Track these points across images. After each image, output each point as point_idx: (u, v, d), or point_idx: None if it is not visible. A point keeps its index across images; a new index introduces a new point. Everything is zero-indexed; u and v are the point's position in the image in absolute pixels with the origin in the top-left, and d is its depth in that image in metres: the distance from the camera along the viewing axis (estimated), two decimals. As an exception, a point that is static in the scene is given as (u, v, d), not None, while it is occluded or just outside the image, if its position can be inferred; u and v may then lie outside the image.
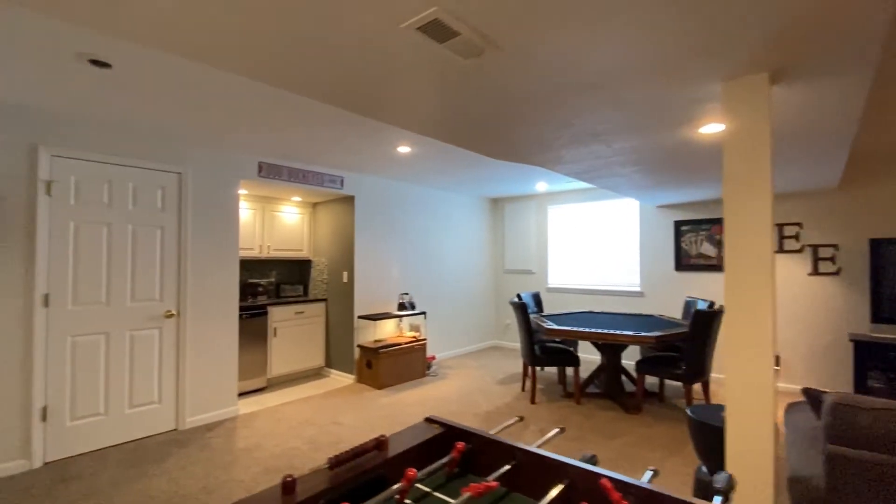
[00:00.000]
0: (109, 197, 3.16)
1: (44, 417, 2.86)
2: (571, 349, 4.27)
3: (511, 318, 6.62)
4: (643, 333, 3.55)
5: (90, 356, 3.06)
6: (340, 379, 4.89)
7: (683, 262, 5.05)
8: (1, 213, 2.74)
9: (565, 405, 4.01)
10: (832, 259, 4.16)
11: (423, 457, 1.23)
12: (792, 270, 4.38)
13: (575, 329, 3.79)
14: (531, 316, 4.45)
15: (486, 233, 6.71)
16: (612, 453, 3.02)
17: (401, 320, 5.23)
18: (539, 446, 1.20)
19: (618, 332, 3.63)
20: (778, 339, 4.44)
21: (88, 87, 2.45)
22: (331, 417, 3.72)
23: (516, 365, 5.52)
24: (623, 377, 4.56)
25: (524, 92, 2.06)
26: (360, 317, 4.77)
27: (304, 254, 5.31)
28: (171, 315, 3.39)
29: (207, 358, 3.62)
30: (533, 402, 4.08)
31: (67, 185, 2.98)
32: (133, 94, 2.54)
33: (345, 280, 4.90)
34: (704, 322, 3.47)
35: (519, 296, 5.08)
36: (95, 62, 2.14)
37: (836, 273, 4.14)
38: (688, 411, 2.36)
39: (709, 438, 2.18)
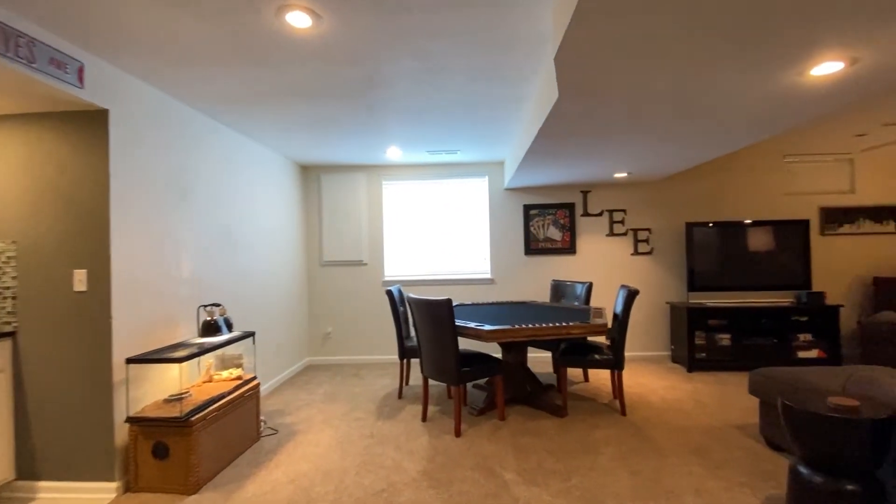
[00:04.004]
0: None
1: None
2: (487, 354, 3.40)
3: (333, 326, 5.05)
4: (589, 322, 3.08)
5: None
6: (76, 498, 2.30)
7: (532, 246, 4.99)
8: None
9: (493, 426, 3.11)
10: (647, 241, 4.92)
11: None
12: (619, 250, 4.95)
13: (524, 327, 2.95)
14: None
15: (298, 211, 4.88)
16: (625, 476, 2.38)
17: (198, 356, 2.97)
18: None
19: (567, 323, 3.04)
20: (609, 312, 4.94)
21: None
22: None
23: (363, 385, 4.14)
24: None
25: None
26: (131, 360, 2.36)
27: (-70, 234, 2.26)
28: None
29: None
30: (458, 434, 2.98)
31: None
32: None
33: (80, 287, 2.34)
34: (630, 303, 3.32)
35: (390, 292, 3.80)
36: None
37: (650, 252, 4.92)
38: (783, 401, 1.98)
39: (828, 432, 1.83)
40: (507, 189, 5.02)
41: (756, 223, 4.50)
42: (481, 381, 4.11)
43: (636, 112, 2.42)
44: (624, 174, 4.32)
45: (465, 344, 4.99)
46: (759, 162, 4.83)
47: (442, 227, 5.08)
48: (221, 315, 2.95)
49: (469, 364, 3.09)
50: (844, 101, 2.08)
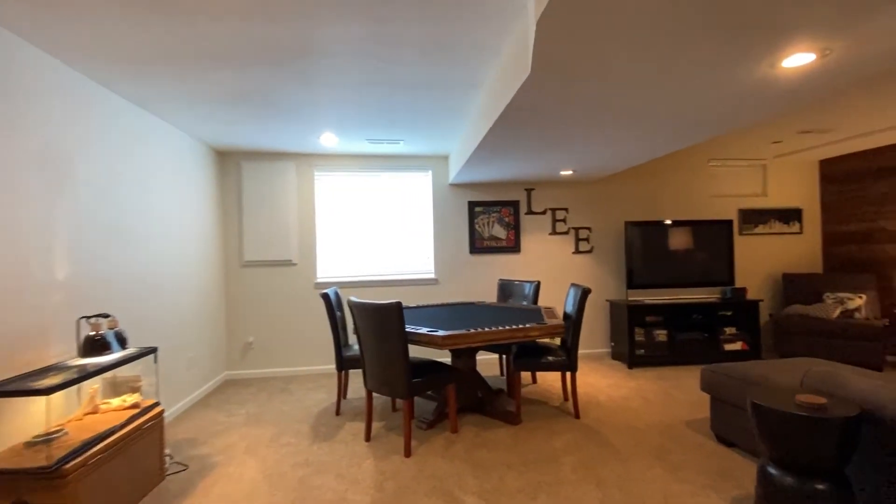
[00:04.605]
0: None
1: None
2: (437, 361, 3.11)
3: (256, 334, 4.46)
4: (546, 323, 2.92)
5: None
6: None
7: (477, 244, 4.80)
8: None
9: (446, 440, 2.84)
10: (587, 239, 4.95)
11: None
12: (561, 249, 4.92)
13: (481, 331, 2.70)
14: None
15: (213, 204, 4.24)
16: (592, 488, 2.23)
17: (75, 383, 2.34)
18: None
19: (524, 325, 2.84)
20: (558, 311, 4.90)
21: None
22: None
23: (293, 402, 3.66)
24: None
25: None
26: (-28, 394, 1.75)
27: None
28: None
29: None
30: (408, 454, 2.66)
31: None
32: None
33: None
34: (584, 302, 3.22)
35: (326, 295, 3.37)
36: None
37: (590, 251, 4.96)
38: (753, 401, 1.92)
39: (800, 431, 1.79)
40: (451, 185, 4.78)
41: (687, 223, 4.70)
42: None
43: (608, 97, 2.27)
44: (569, 171, 4.27)
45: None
46: (687, 165, 5.07)
47: (382, 225, 4.71)
48: (111, 328, 2.36)
49: (420, 374, 2.78)
50: (814, 93, 2.10)
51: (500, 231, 4.83)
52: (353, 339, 4.56)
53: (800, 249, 5.23)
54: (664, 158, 5.04)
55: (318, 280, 4.56)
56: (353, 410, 3.43)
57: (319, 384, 4.15)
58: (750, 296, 5.06)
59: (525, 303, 4.05)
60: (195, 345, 3.75)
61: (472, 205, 4.79)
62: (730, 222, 4.74)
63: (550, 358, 3.20)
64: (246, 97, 2.88)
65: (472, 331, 2.70)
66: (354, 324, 2.89)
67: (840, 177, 5.08)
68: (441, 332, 2.66)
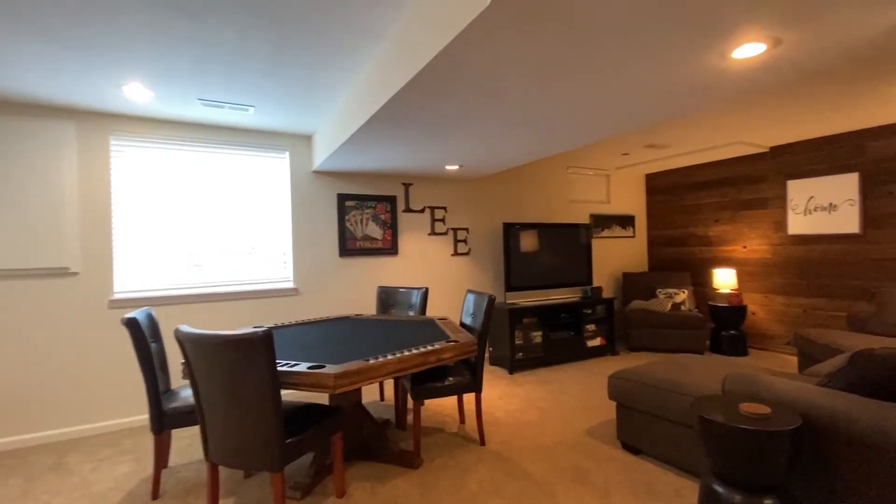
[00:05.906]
0: None
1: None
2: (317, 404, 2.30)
3: (-1, 384, 2.85)
4: (456, 341, 2.42)
5: None
6: None
7: (349, 245, 4.04)
8: None
9: (333, 512, 2.09)
10: (465, 241, 4.67)
11: None
12: (440, 251, 4.53)
13: (385, 359, 2.02)
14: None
15: None
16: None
17: None
18: None
19: (433, 346, 2.28)
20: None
21: None
22: None
23: (73, 488, 2.39)
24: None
25: None
26: None
27: None
28: None
29: None
30: (282, 547, 1.84)
31: None
32: None
33: None
34: (490, 312, 2.84)
35: (133, 321, 2.25)
36: None
37: (468, 253, 4.69)
38: (702, 415, 1.75)
39: (750, 445, 1.68)
40: (316, 172, 3.91)
41: (554, 226, 4.82)
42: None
43: (563, 57, 1.87)
44: (456, 167, 3.88)
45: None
46: (549, 170, 5.25)
47: (219, 219, 3.56)
48: None
49: (294, 429, 1.97)
50: (770, 88, 2.06)
51: (375, 230, 4.17)
52: (178, 381, 3.33)
53: (633, 251, 5.93)
54: (531, 163, 5.10)
55: (116, 296, 3.18)
56: (180, 485, 2.36)
57: (120, 450, 2.84)
58: (605, 294, 5.50)
59: (412, 313, 3.50)
60: None
61: (342, 198, 4.02)
62: (589, 226, 5.05)
63: (452, 379, 2.73)
64: (60, 45, 1.62)
65: (373, 361, 2.02)
66: (186, 364, 1.91)
67: (661, 189, 5.93)
68: (331, 368, 1.91)
